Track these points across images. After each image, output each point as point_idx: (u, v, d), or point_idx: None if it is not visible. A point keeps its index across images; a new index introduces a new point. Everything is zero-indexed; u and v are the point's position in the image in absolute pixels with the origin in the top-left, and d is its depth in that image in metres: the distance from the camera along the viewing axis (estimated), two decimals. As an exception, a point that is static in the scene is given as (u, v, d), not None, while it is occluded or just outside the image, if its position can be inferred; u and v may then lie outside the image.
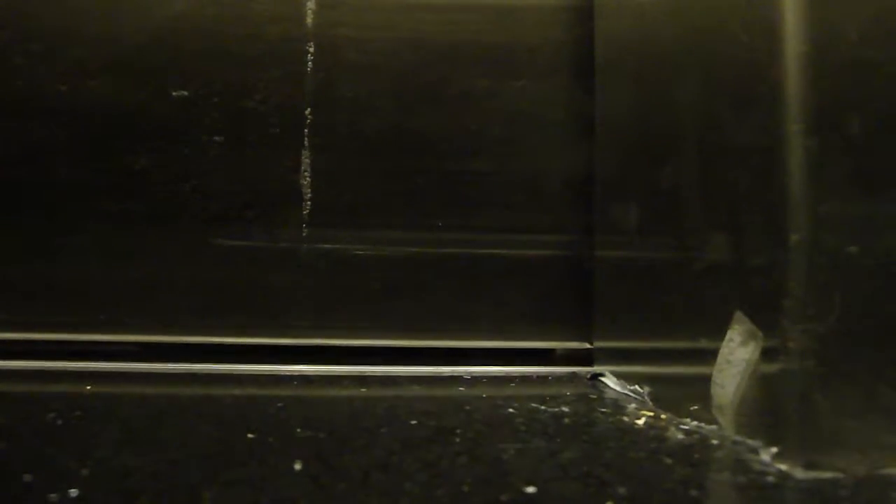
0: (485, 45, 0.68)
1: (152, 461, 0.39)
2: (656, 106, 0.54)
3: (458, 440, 0.44)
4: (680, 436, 0.44)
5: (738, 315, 0.42)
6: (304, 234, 0.65)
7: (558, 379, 0.63)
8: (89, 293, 0.64)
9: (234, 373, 0.62)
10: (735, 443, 0.42)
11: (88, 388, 0.56)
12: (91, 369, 0.61)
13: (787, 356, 0.38)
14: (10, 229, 0.64)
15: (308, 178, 0.65)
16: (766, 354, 0.40)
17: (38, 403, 0.53)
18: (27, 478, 0.36)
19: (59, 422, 0.46)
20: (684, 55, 0.50)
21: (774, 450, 0.39)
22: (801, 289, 0.38)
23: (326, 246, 0.66)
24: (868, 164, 0.38)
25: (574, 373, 0.64)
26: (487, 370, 0.64)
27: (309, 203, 0.65)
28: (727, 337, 0.43)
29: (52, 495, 0.33)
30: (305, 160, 0.65)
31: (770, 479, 0.37)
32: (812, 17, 0.39)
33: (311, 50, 0.66)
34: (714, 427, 0.44)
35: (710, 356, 0.44)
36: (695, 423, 0.46)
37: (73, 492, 0.33)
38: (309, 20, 0.66)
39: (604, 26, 0.65)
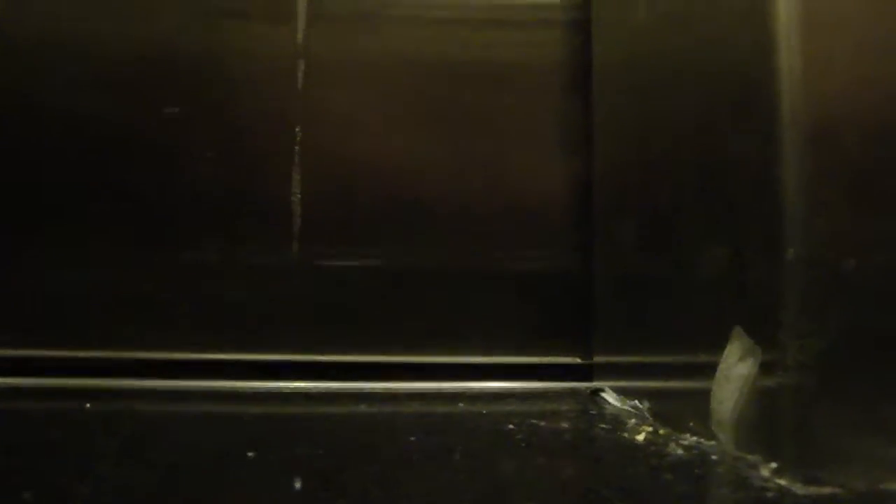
0: (478, 60, 0.68)
1: (152, 479, 0.39)
2: (653, 121, 0.54)
3: (457, 457, 0.44)
4: (680, 451, 0.44)
5: (737, 330, 0.42)
6: (295, 251, 0.65)
7: (558, 395, 0.63)
8: (84, 310, 0.64)
9: (232, 390, 0.62)
10: (734, 458, 0.42)
11: (88, 405, 0.56)
12: (89, 386, 0.61)
13: (785, 371, 0.38)
14: (3, 246, 0.64)
15: (298, 195, 0.65)
16: (765, 369, 0.40)
17: (37, 420, 0.53)
18: (27, 495, 0.35)
19: (60, 439, 0.46)
20: (680, 70, 0.51)
21: (774, 465, 0.39)
22: (799, 304, 0.38)
23: (318, 262, 0.66)
24: (865, 178, 0.38)
25: (574, 388, 0.64)
26: (486, 386, 0.64)
27: (299, 219, 0.65)
28: (726, 352, 0.43)
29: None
30: (296, 176, 0.65)
31: (769, 494, 0.37)
32: (807, 32, 0.39)
33: (302, 67, 0.66)
34: (713, 442, 0.44)
35: (708, 371, 0.44)
36: (694, 438, 0.46)
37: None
38: (300, 37, 0.66)
39: (601, 41, 0.66)
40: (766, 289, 0.40)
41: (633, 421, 0.52)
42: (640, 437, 0.48)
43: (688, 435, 0.47)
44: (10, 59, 0.65)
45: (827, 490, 0.36)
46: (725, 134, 0.45)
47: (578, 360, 0.66)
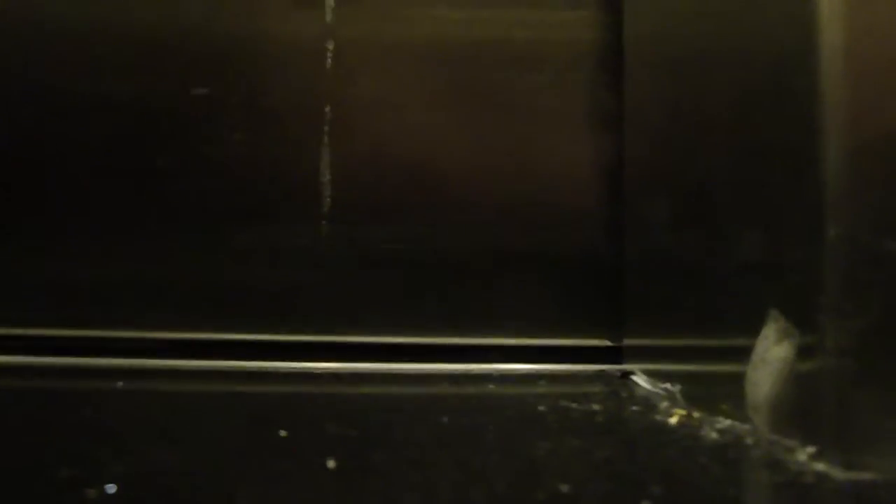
0: (507, 40, 0.67)
1: (185, 456, 0.39)
2: (687, 99, 0.54)
3: (490, 438, 0.43)
4: (714, 435, 0.44)
5: (774, 312, 0.42)
6: (324, 232, 0.65)
7: (588, 377, 0.62)
8: (115, 290, 0.64)
9: (263, 370, 0.62)
10: (771, 442, 0.41)
11: (120, 384, 0.56)
12: (120, 366, 0.61)
13: (824, 354, 0.38)
14: (34, 228, 0.64)
15: (328, 176, 0.65)
16: (803, 352, 0.39)
17: (70, 399, 0.54)
18: (64, 472, 0.36)
19: (93, 418, 0.47)
20: (718, 47, 0.50)
21: (811, 449, 0.38)
22: (839, 285, 0.37)
23: (347, 243, 0.65)
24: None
25: (604, 371, 0.63)
26: (516, 368, 0.64)
27: (329, 200, 0.65)
28: (762, 335, 0.42)
29: (90, 490, 0.33)
30: (325, 157, 0.65)
31: (807, 479, 0.36)
32: (850, 8, 0.38)
33: (331, 47, 0.66)
34: (749, 426, 0.44)
35: (744, 354, 0.43)
36: (729, 421, 0.45)
37: (110, 487, 0.33)
38: (329, 17, 0.66)
39: (634, 18, 0.65)
40: (804, 270, 0.39)
41: (664, 404, 0.52)
42: (673, 420, 0.47)
43: (722, 418, 0.46)
44: (33, 42, 0.65)
45: (866, 475, 0.36)
46: (763, 111, 0.44)
47: (608, 343, 0.65)
